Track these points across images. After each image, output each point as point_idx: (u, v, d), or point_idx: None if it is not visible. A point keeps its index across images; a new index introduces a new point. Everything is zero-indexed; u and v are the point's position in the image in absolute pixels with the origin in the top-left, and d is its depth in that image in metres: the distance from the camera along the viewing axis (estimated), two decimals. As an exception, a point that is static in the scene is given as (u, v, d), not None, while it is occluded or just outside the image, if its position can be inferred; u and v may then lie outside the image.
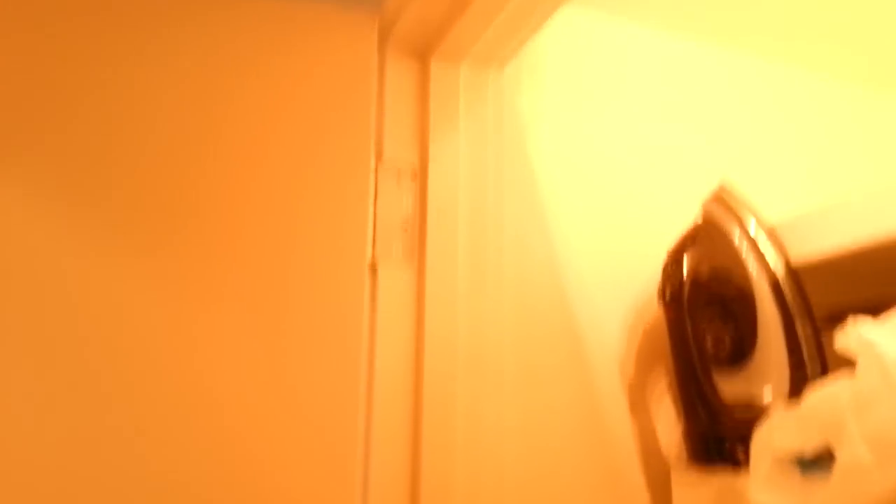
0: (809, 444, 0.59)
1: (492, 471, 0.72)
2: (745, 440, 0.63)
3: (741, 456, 0.68)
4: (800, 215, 0.81)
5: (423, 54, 0.82)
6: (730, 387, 0.74)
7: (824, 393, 0.61)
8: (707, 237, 0.80)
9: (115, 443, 0.61)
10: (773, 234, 0.80)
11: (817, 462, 0.59)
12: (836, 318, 0.72)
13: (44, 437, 0.60)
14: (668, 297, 0.77)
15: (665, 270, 0.79)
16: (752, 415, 0.64)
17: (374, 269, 0.73)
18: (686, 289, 0.76)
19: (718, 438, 0.72)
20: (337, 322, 0.70)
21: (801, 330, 0.74)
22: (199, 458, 0.63)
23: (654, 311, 0.82)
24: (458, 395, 0.72)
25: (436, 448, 0.71)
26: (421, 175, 0.77)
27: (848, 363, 0.60)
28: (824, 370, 0.71)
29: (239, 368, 0.66)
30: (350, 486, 0.68)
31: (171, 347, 0.64)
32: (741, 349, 0.74)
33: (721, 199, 0.82)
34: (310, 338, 0.69)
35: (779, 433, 0.59)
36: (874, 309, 0.64)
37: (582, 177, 0.87)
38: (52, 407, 0.60)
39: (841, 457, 0.54)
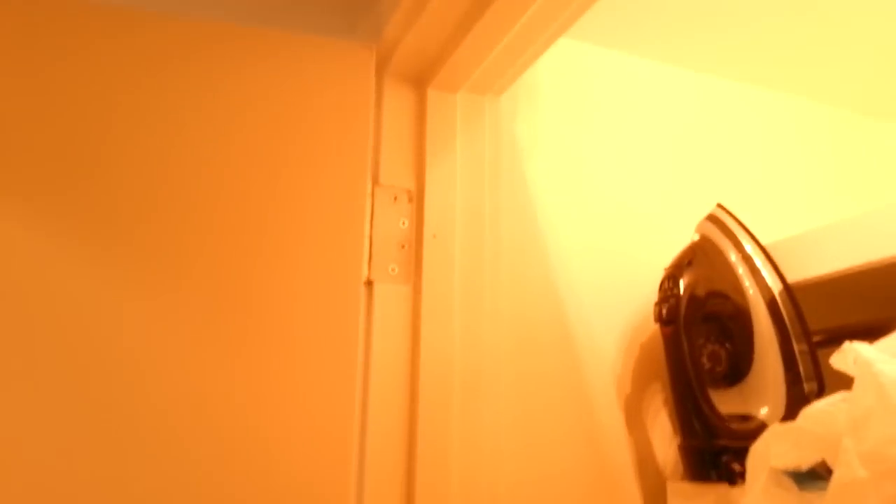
0: (806, 460, 0.58)
1: (487, 486, 0.72)
2: (740, 454, 0.63)
3: (737, 469, 0.68)
4: (794, 237, 0.82)
5: (420, 83, 0.83)
6: (726, 402, 0.74)
7: (821, 410, 0.61)
8: (703, 257, 0.80)
9: (109, 459, 0.62)
10: (768, 255, 0.80)
11: (814, 475, 0.59)
12: (832, 336, 0.72)
13: (39, 438, 0.60)
14: (664, 316, 0.78)
15: (662, 289, 0.80)
16: (748, 430, 0.64)
17: (369, 285, 0.74)
18: (683, 307, 0.76)
19: (714, 452, 0.72)
20: (333, 335, 0.70)
21: (798, 347, 0.74)
22: (194, 475, 0.63)
23: (651, 329, 0.83)
24: (453, 410, 0.73)
25: (431, 463, 0.71)
26: (417, 197, 0.79)
27: (844, 380, 0.60)
28: (821, 386, 0.71)
29: (235, 381, 0.66)
30: (345, 499, 0.67)
31: (165, 363, 0.65)
32: (738, 366, 0.74)
33: (717, 220, 0.83)
34: (306, 351, 0.69)
35: (775, 448, 0.59)
36: (869, 328, 0.64)
37: (579, 199, 0.88)
38: (49, 413, 0.61)
39: (837, 473, 0.54)
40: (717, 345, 0.76)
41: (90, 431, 0.62)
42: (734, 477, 0.69)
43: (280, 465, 0.66)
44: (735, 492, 0.65)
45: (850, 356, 0.59)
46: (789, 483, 0.59)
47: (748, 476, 0.60)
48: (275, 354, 0.69)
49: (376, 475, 0.69)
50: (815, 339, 0.75)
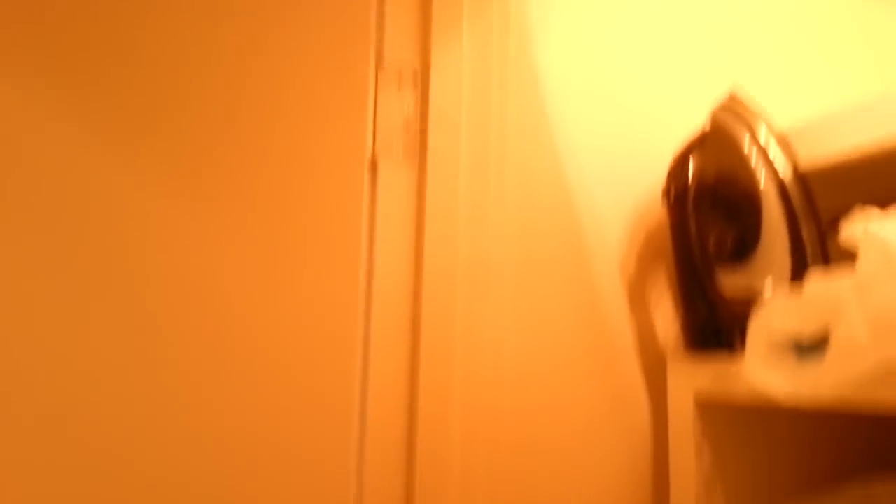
0: (808, 327, 0.59)
1: (490, 365, 0.74)
2: (742, 330, 0.63)
3: (738, 344, 0.68)
4: (808, 121, 0.80)
5: (426, -39, 0.80)
6: (730, 284, 0.73)
7: (825, 281, 0.60)
8: (715, 142, 0.79)
9: (119, 329, 0.63)
10: (782, 140, 0.79)
11: (814, 348, 0.59)
12: (842, 221, 0.71)
13: (50, 330, 0.62)
14: (672, 198, 0.77)
15: (670, 173, 0.79)
16: (751, 308, 0.64)
17: (374, 166, 0.73)
18: (691, 190, 0.75)
19: (716, 329, 0.72)
20: (337, 217, 0.71)
21: (806, 232, 0.73)
22: (198, 344, 0.65)
23: (657, 212, 0.82)
24: (457, 291, 0.73)
25: (435, 344, 0.71)
26: (423, 77, 0.77)
27: (851, 262, 0.60)
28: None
29: (239, 264, 0.67)
30: (349, 381, 0.69)
31: (171, 243, 0.65)
32: (744, 249, 0.74)
33: (730, 105, 0.81)
34: (309, 232, 0.69)
35: (777, 316, 0.59)
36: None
37: (588, 81, 0.85)
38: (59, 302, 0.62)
39: (837, 335, 0.54)
40: (724, 228, 0.75)
41: (99, 305, 0.63)
42: (735, 351, 0.69)
43: (286, 343, 0.67)
44: (735, 364, 0.66)
45: (859, 226, 0.59)
46: (790, 352, 0.60)
47: (748, 345, 0.61)
48: (278, 235, 0.69)
49: (380, 355, 0.70)
50: (826, 224, 0.74)
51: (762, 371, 0.57)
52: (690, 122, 0.81)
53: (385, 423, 0.70)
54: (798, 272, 0.73)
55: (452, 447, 0.71)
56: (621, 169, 0.84)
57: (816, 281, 0.60)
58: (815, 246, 0.74)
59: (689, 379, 0.73)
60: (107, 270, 0.63)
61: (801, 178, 0.77)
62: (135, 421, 0.62)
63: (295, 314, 0.68)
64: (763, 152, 0.77)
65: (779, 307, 0.59)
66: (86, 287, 0.62)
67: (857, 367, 0.53)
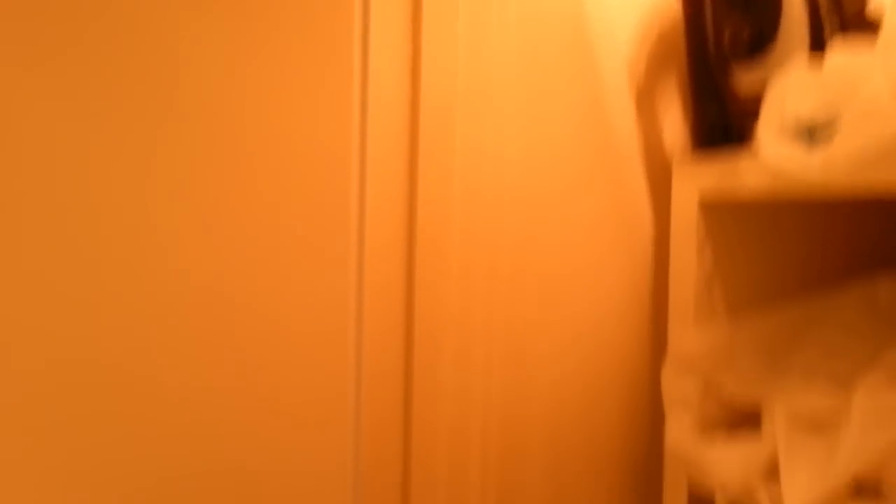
0: (823, 111, 0.56)
1: (492, 173, 0.71)
2: (754, 127, 0.60)
3: (748, 140, 0.64)
4: None
5: None
6: (745, 79, 0.70)
7: (848, 56, 0.57)
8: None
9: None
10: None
11: (827, 136, 0.56)
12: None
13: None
14: (688, -10, 0.71)
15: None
16: (764, 105, 0.61)
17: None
18: (709, -17, 0.70)
19: (727, 128, 0.69)
20: (328, 27, 0.65)
21: (829, 25, 0.69)
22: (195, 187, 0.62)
23: (671, 7, 0.77)
24: (457, 96, 0.69)
25: (434, 156, 0.68)
26: None
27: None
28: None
29: (227, 72, 0.62)
30: (344, 200, 0.66)
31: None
32: (761, 44, 0.70)
33: None
34: (300, 45, 0.64)
35: (793, 93, 0.56)
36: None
37: None
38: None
39: (857, 100, 0.51)
40: (741, 21, 0.71)
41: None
42: (744, 145, 0.65)
43: (278, 158, 0.64)
44: (743, 160, 0.63)
45: (889, -9, 0.55)
46: (803, 133, 0.57)
47: (761, 121, 0.58)
48: (269, 49, 0.63)
49: (377, 166, 0.66)
50: (851, 17, 0.69)
51: (774, 145, 0.55)
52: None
53: (382, 245, 0.68)
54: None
55: (452, 267, 0.70)
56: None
57: (838, 53, 0.56)
58: (837, 39, 0.70)
59: (695, 180, 0.70)
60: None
61: (828, -31, 0.71)
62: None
63: (286, 129, 0.64)
64: (789, -58, 0.71)
65: (795, 82, 0.56)
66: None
67: (877, 134, 0.50)
